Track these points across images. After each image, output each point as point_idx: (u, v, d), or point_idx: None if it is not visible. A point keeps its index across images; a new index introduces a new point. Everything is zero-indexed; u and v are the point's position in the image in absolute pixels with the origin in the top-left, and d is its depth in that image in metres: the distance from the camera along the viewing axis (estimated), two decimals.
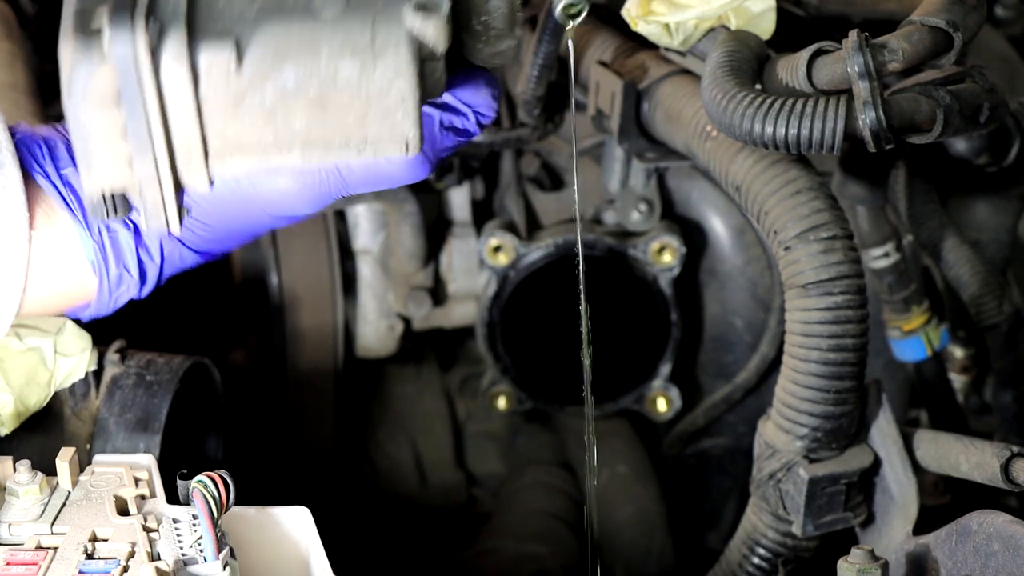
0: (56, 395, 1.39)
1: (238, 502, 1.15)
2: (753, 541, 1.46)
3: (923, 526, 1.30)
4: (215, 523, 1.11)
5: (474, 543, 1.94)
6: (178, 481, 1.15)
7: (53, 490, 1.18)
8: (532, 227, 1.96)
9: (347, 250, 2.01)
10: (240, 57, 1.00)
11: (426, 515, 2.08)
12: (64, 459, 1.19)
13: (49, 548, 1.11)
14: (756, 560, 1.46)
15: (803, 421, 1.36)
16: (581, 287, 1.34)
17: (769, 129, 1.25)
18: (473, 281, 2.01)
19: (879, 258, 1.76)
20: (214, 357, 1.53)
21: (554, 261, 1.93)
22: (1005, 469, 1.26)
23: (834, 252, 1.32)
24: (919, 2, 1.29)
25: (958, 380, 1.93)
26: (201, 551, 1.10)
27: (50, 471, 1.19)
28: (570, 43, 1.42)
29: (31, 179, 1.11)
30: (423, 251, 1.99)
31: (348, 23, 1.01)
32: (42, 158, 1.12)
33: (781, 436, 1.38)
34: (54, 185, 1.11)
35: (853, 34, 1.23)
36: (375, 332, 2.03)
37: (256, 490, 1.26)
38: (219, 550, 1.10)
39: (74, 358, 1.39)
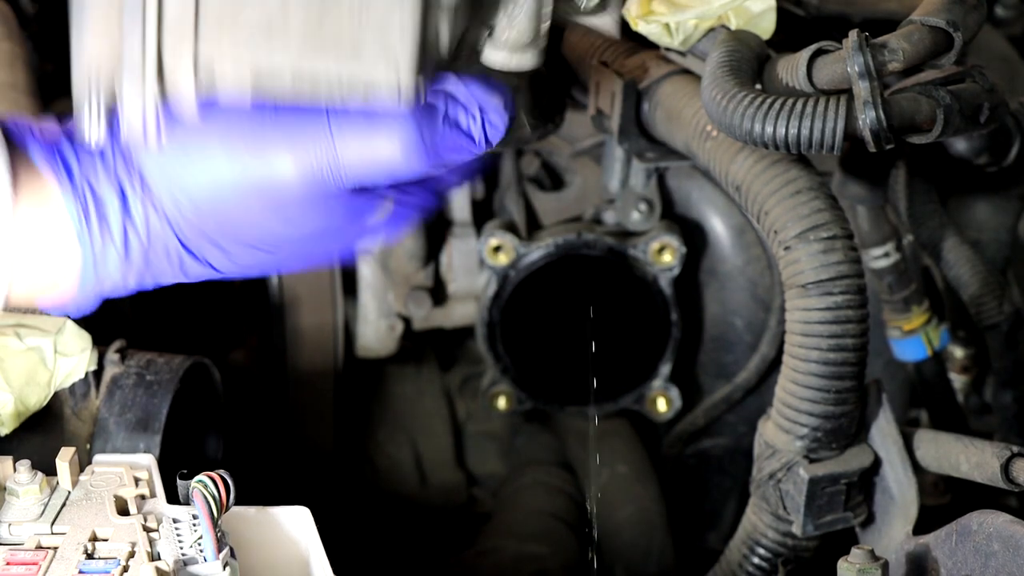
0: (56, 395, 1.38)
1: (238, 502, 1.15)
2: (753, 541, 1.46)
3: (923, 526, 1.30)
4: (215, 523, 1.10)
5: (474, 543, 1.94)
6: (178, 481, 1.15)
7: (53, 490, 1.18)
8: (532, 227, 1.96)
9: None
10: None
11: (426, 515, 2.08)
12: (64, 459, 1.19)
13: (49, 548, 1.11)
14: (756, 560, 1.46)
15: (803, 421, 1.36)
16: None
17: (769, 129, 1.24)
18: (473, 281, 2.01)
19: (879, 258, 1.76)
20: (214, 357, 1.53)
21: (554, 261, 1.93)
22: (1005, 469, 1.26)
23: (834, 252, 1.32)
24: (919, 2, 1.29)
25: (958, 380, 1.93)
26: (201, 551, 1.10)
27: (50, 471, 1.19)
28: None
29: (16, 149, 1.09)
30: (423, 251, 1.99)
31: None
32: (31, 133, 1.11)
33: (781, 436, 1.38)
34: (43, 153, 1.10)
35: (853, 34, 1.23)
36: (375, 332, 2.03)
37: (256, 490, 1.25)
38: (219, 550, 1.09)
39: (74, 358, 1.39)
